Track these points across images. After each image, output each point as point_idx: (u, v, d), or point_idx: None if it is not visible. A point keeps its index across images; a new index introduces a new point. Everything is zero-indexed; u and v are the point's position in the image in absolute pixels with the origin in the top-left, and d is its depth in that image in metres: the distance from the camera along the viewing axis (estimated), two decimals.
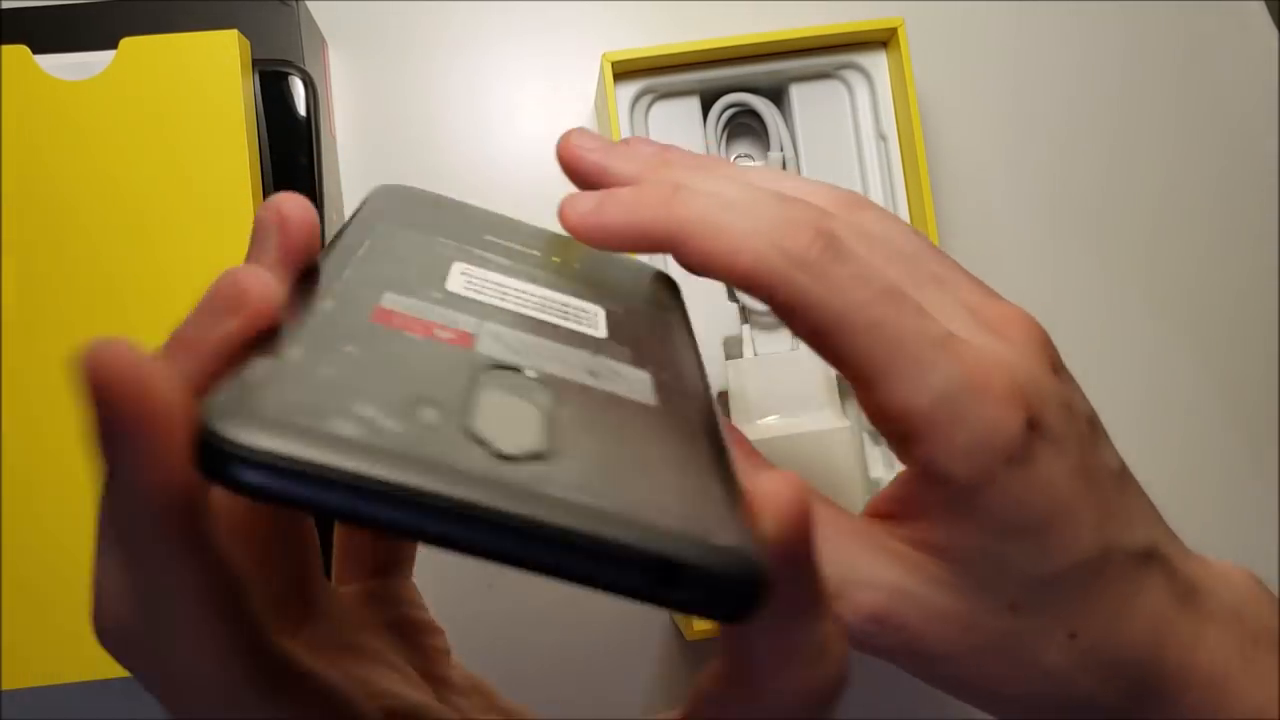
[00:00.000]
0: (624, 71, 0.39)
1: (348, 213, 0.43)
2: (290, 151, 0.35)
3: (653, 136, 0.41)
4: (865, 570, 0.23)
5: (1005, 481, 0.22)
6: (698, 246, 0.22)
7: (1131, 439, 0.27)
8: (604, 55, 0.38)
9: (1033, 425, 0.22)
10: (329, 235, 0.37)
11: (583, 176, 0.26)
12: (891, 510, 0.24)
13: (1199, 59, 0.45)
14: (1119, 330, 0.44)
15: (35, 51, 0.33)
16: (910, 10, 0.43)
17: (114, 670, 0.33)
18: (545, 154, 0.44)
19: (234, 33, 0.34)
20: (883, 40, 0.40)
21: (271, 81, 0.35)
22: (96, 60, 0.34)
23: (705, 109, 0.41)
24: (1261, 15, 0.45)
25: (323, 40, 0.43)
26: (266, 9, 0.38)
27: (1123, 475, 0.24)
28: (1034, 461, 0.22)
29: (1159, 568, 0.24)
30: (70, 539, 0.33)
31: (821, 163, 0.41)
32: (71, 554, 0.33)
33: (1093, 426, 0.24)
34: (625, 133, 0.40)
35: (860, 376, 0.22)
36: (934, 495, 0.23)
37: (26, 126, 0.33)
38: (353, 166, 0.44)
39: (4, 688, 0.33)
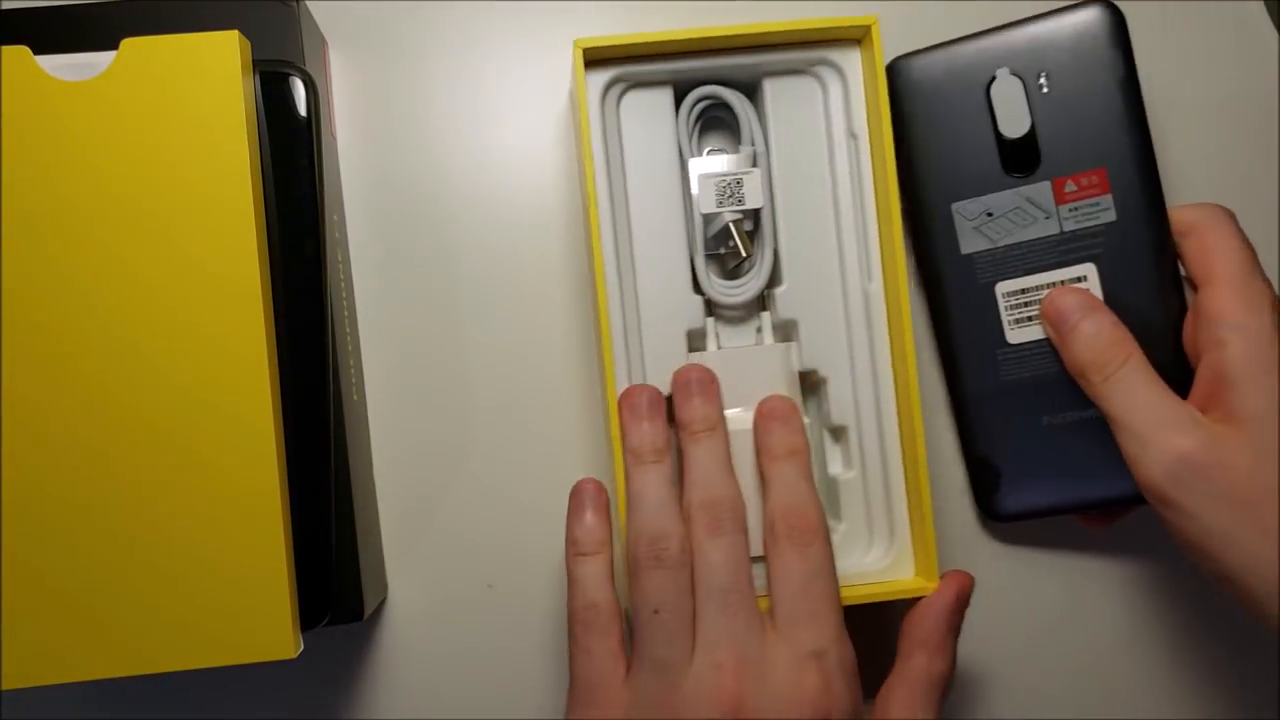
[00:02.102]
0: (596, 59, 0.39)
1: (348, 212, 0.43)
2: (290, 152, 0.35)
3: (624, 126, 0.40)
4: (1175, 419, 0.33)
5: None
6: None
7: None
8: (575, 41, 0.38)
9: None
10: (327, 237, 0.37)
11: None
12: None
13: (1198, 59, 0.45)
14: None
15: (35, 51, 0.33)
16: (885, 8, 0.43)
17: (114, 670, 0.33)
18: (545, 153, 0.45)
19: (234, 33, 0.34)
20: (857, 38, 0.40)
21: (271, 82, 0.35)
22: (96, 60, 0.34)
23: (678, 100, 0.41)
24: (1261, 15, 0.45)
25: (323, 40, 0.43)
26: (266, 9, 0.38)
27: None
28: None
29: None
30: (71, 539, 0.33)
31: (791, 159, 0.41)
32: (72, 554, 0.33)
33: None
34: (595, 122, 0.39)
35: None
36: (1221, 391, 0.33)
37: (26, 126, 0.33)
38: (353, 166, 0.44)
39: (4, 688, 0.33)
